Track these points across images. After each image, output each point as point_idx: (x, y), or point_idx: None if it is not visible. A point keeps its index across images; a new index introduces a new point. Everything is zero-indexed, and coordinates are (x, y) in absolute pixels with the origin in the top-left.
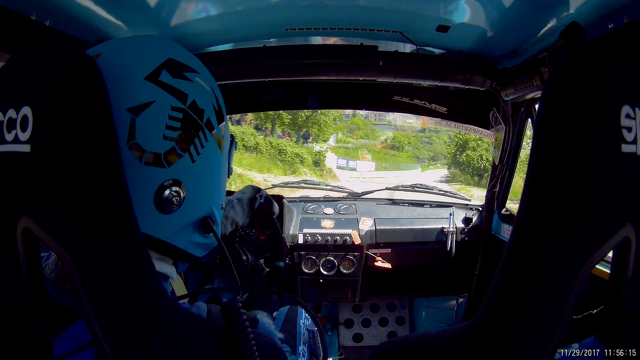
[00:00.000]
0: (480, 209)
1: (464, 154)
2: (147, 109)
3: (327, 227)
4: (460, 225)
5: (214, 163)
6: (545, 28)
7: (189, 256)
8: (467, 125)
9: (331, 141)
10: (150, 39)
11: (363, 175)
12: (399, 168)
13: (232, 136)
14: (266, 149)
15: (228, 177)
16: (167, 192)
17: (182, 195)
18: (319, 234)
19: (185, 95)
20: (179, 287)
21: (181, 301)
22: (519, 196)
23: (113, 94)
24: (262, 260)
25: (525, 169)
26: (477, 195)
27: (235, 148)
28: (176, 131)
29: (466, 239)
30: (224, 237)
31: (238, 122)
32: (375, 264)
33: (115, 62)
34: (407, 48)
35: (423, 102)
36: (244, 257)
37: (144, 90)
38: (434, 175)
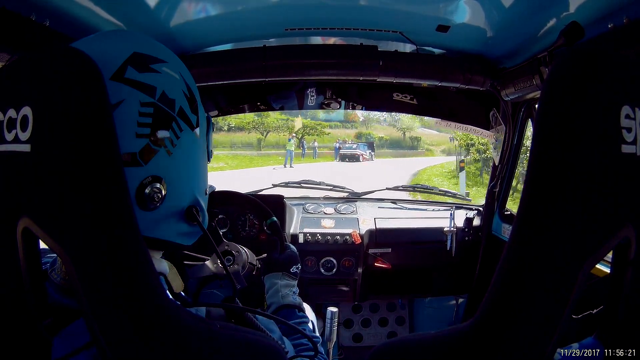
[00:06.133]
0: (481, 209)
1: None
2: (116, 110)
3: (327, 226)
4: (461, 225)
5: (191, 151)
6: (545, 28)
7: (177, 246)
8: (467, 126)
9: None
10: (113, 35)
11: None
12: None
13: (208, 117)
14: None
15: (208, 160)
16: (147, 190)
17: (163, 190)
18: (319, 233)
19: (153, 88)
20: (175, 278)
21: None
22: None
23: None
24: (258, 261)
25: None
26: None
27: (213, 130)
28: (148, 127)
29: (466, 239)
30: (211, 227)
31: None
32: (375, 263)
33: None
34: (407, 48)
35: (423, 101)
36: (245, 256)
37: (111, 91)
38: None
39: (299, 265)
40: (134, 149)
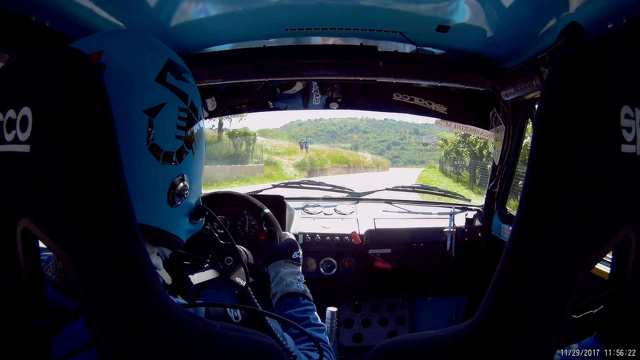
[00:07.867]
0: (481, 209)
1: None
2: (161, 110)
3: (327, 227)
4: (460, 225)
5: (203, 155)
6: (545, 28)
7: (177, 242)
8: (467, 126)
9: None
10: (148, 38)
11: None
12: None
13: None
14: None
15: None
16: (179, 187)
17: (187, 188)
18: (319, 234)
19: (186, 95)
20: (165, 276)
21: (178, 300)
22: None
23: (127, 95)
24: (257, 261)
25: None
26: None
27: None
28: (183, 130)
29: (466, 239)
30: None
31: None
32: (375, 264)
33: (122, 62)
34: (407, 48)
35: (423, 101)
36: (244, 256)
37: (156, 92)
38: None
39: (300, 252)
40: (173, 148)
